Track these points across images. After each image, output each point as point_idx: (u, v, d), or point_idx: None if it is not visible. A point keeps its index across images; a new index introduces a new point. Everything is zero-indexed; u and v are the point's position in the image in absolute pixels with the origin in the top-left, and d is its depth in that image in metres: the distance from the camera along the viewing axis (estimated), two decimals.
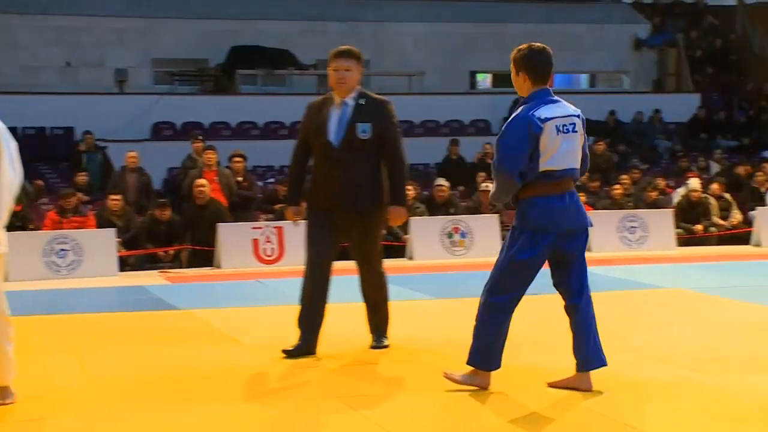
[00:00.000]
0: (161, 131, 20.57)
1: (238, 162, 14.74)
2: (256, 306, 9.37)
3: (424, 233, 13.97)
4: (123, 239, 13.20)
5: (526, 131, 5.24)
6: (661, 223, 14.70)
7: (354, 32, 22.24)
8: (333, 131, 6.52)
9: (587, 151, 5.53)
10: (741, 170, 18.08)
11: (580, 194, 6.08)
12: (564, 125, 5.30)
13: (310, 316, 6.57)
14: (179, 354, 6.82)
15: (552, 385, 5.47)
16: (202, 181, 13.55)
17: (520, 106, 5.39)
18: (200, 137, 15.66)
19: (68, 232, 12.70)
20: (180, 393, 5.62)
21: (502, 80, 25.10)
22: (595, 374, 5.41)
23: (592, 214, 7.66)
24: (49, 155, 18.74)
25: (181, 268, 13.12)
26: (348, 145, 6.47)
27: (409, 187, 14.62)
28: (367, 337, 6.83)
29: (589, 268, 5.53)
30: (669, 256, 13.76)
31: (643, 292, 9.84)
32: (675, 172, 19.28)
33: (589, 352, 5.38)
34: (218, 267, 13.00)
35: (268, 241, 13.22)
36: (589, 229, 5.47)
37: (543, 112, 5.29)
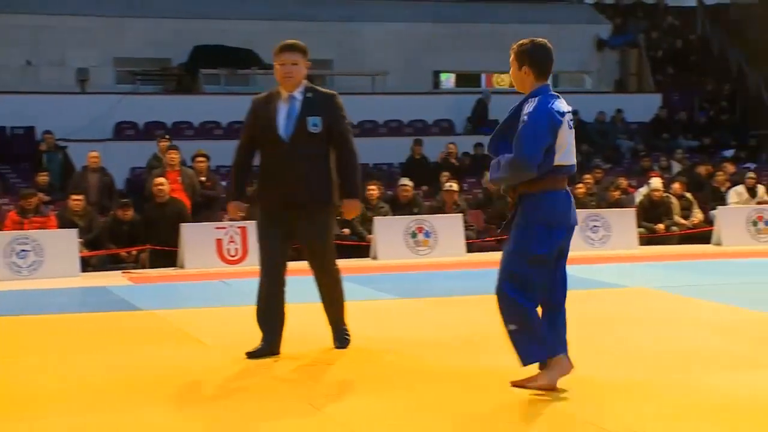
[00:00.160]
0: (124, 131, 20.44)
1: (201, 162, 14.68)
2: (219, 306, 9.35)
3: (388, 233, 13.99)
4: (85, 239, 13.12)
5: (550, 123, 5.20)
6: (624, 222, 14.82)
7: (317, 32, 22.19)
8: (282, 126, 6.46)
9: None
10: (702, 170, 18.23)
11: None
12: (570, 121, 5.33)
13: (270, 318, 6.55)
14: (142, 355, 6.78)
15: (516, 385, 5.48)
16: (161, 179, 13.49)
17: (530, 99, 5.28)
18: (167, 137, 15.58)
19: (29, 232, 12.60)
20: (143, 394, 5.58)
21: (465, 80, 25.17)
22: None
23: None
24: (9, 155, 18.57)
25: (143, 268, 13.05)
26: (298, 140, 6.41)
27: (373, 187, 14.65)
28: (330, 336, 6.82)
29: None
30: (631, 255, 13.87)
31: (605, 291, 9.90)
32: (637, 172, 19.42)
33: (563, 346, 5.40)
34: (182, 267, 12.94)
35: (232, 241, 13.18)
36: None
37: (558, 106, 5.27)
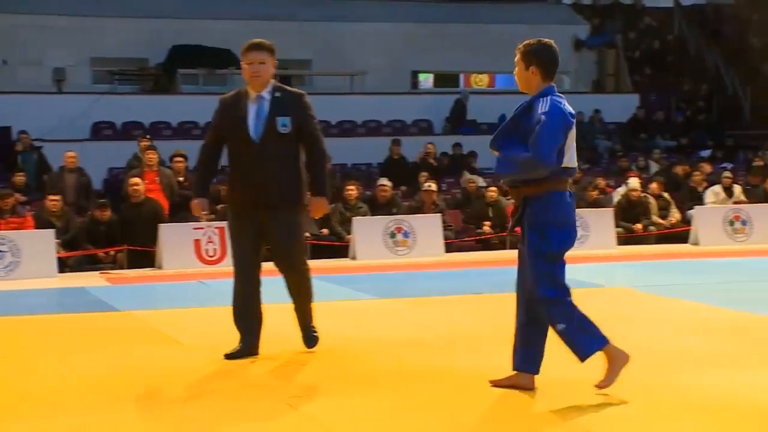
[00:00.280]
0: (101, 131, 20.35)
1: (179, 162, 14.64)
2: (197, 307, 9.33)
3: (367, 233, 13.98)
4: (62, 240, 13.05)
5: (564, 124, 5.19)
6: (602, 222, 14.86)
7: (296, 32, 22.18)
8: (252, 126, 6.41)
9: None
10: (679, 170, 18.32)
11: None
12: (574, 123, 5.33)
13: (247, 318, 6.54)
14: (120, 355, 6.75)
15: (495, 384, 5.49)
16: (137, 180, 13.45)
17: (541, 99, 5.23)
18: (147, 136, 15.53)
19: (6, 233, 12.52)
20: (121, 394, 5.55)
21: (444, 80, 25.19)
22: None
23: None
24: None
25: (121, 269, 12.99)
26: (268, 140, 6.37)
27: (352, 187, 14.64)
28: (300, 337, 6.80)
29: None
30: (609, 254, 13.92)
31: (583, 290, 9.88)
32: (615, 172, 19.48)
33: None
34: (159, 267, 12.89)
35: (210, 242, 13.14)
36: None
37: (567, 107, 5.26)
